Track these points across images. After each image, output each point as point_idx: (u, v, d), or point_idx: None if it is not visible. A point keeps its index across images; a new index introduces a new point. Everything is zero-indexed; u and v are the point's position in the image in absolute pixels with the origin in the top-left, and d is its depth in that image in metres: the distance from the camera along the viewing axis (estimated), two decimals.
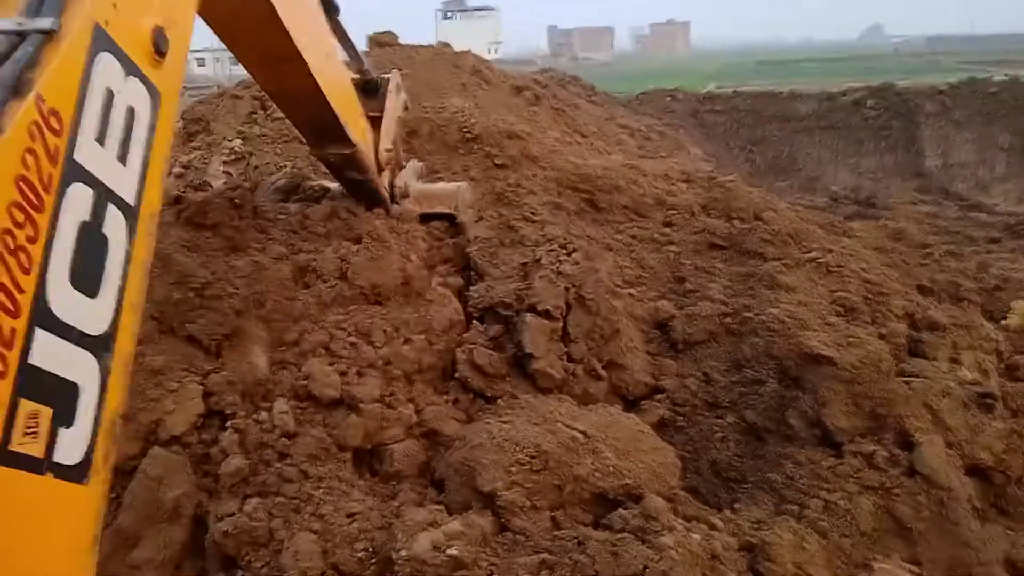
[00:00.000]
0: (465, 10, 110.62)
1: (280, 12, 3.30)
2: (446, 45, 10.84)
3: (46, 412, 1.78)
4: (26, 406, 1.71)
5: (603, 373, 4.75)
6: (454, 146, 7.49)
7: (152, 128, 2.23)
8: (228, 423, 3.81)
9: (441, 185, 5.99)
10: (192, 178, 5.80)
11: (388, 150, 5.14)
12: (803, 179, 18.32)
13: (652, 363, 5.06)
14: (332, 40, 4.26)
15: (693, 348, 5.20)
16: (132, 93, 2.15)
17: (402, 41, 10.43)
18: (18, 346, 1.68)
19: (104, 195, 2.01)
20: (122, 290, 2.08)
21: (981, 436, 4.25)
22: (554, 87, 13.39)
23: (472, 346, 4.60)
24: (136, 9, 2.17)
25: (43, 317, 1.77)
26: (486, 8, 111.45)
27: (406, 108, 5.71)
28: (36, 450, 1.75)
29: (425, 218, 5.59)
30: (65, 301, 1.85)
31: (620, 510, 3.48)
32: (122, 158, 2.11)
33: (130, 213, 2.12)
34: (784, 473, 4.10)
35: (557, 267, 4.90)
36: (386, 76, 5.27)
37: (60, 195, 1.83)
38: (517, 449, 3.62)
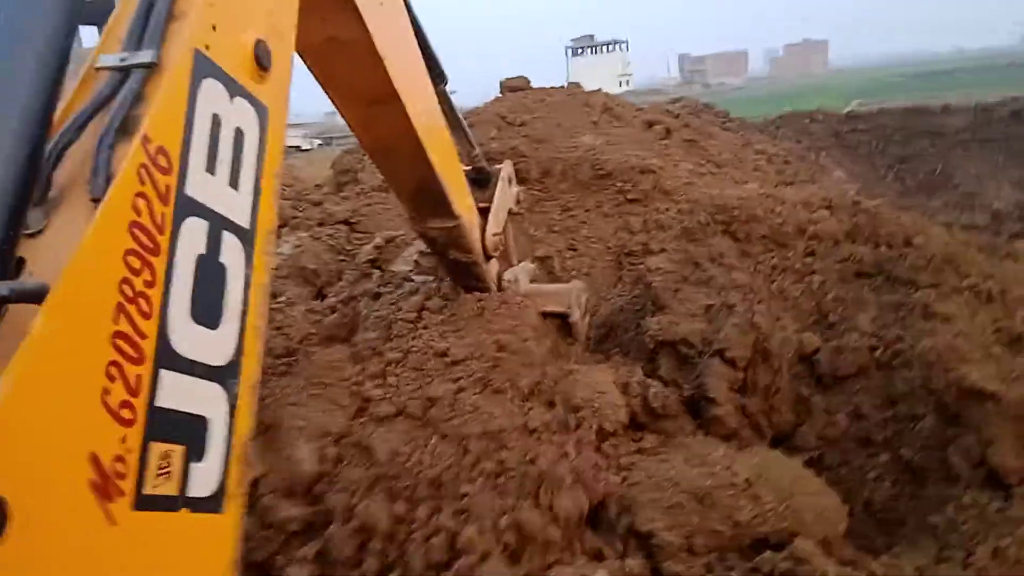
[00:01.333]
0: (594, 45, 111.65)
1: (378, 44, 3.11)
2: (576, 85, 11.05)
3: (177, 450, 1.77)
4: (157, 448, 1.70)
5: (767, 431, 4.62)
6: (587, 183, 7.62)
7: (262, 146, 2.14)
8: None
9: (555, 285, 5.59)
10: (388, 257, 5.88)
11: (496, 234, 4.70)
12: (959, 196, 17.15)
13: (797, 399, 4.90)
14: (435, 98, 3.91)
15: (841, 383, 4.99)
16: (239, 114, 2.07)
17: (533, 84, 10.73)
18: (144, 391, 1.67)
19: (218, 224, 1.96)
20: (244, 315, 2.02)
21: None
22: (686, 116, 13.30)
23: (650, 385, 4.53)
24: (236, 27, 2.09)
25: (167, 357, 1.75)
26: (615, 42, 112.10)
27: (518, 201, 5.26)
28: (170, 489, 1.75)
29: None
30: (188, 337, 1.82)
31: (767, 552, 3.39)
32: (233, 183, 2.03)
33: (246, 237, 2.05)
34: (947, 516, 3.85)
35: (751, 317, 4.79)
36: (498, 167, 4.95)
37: (175, 233, 1.79)
38: (676, 490, 3.59)
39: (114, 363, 1.60)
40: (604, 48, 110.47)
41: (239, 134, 2.06)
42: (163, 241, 1.75)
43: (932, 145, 18.41)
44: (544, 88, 10.43)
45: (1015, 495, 3.77)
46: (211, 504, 1.89)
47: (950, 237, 6.76)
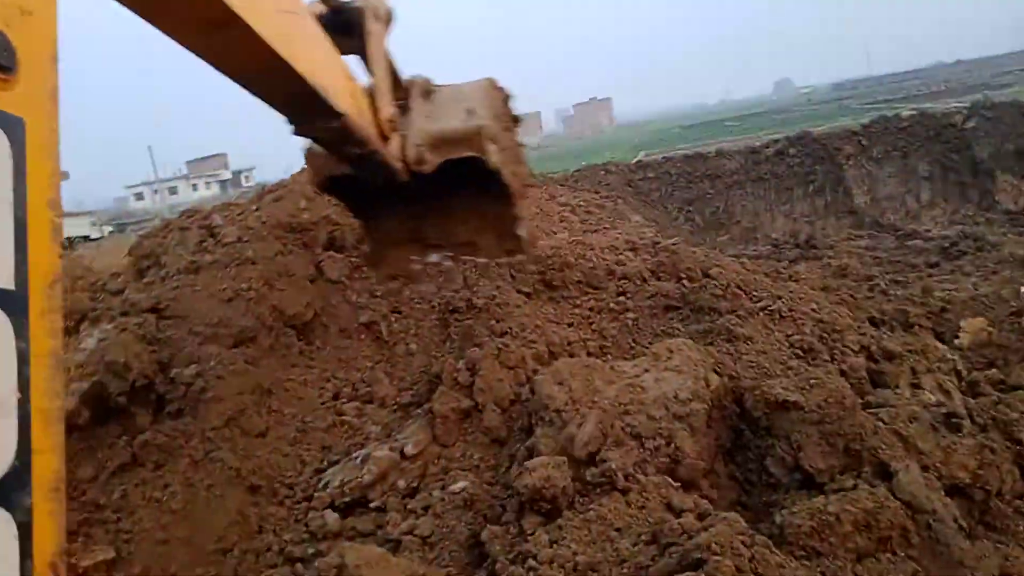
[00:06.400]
0: None
1: None
2: None
3: None
4: None
5: None
6: None
7: (20, 173, 1.55)
8: None
9: (454, 124, 4.57)
10: None
11: (391, 119, 4.07)
12: (742, 230, 18.91)
13: None
14: None
15: None
16: None
17: None
18: None
19: None
20: (24, 403, 1.52)
21: (954, 455, 4.35)
22: None
23: None
24: None
25: None
26: None
27: (388, 19, 4.25)
28: None
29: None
30: None
31: None
32: None
33: (11, 300, 1.51)
34: (772, 521, 4.12)
35: None
36: (358, 5, 4.00)
37: None
38: None
39: None
40: None
41: None
42: None
43: (712, 186, 20.20)
44: None
45: (827, 491, 4.10)
46: None
47: (740, 266, 7.41)
